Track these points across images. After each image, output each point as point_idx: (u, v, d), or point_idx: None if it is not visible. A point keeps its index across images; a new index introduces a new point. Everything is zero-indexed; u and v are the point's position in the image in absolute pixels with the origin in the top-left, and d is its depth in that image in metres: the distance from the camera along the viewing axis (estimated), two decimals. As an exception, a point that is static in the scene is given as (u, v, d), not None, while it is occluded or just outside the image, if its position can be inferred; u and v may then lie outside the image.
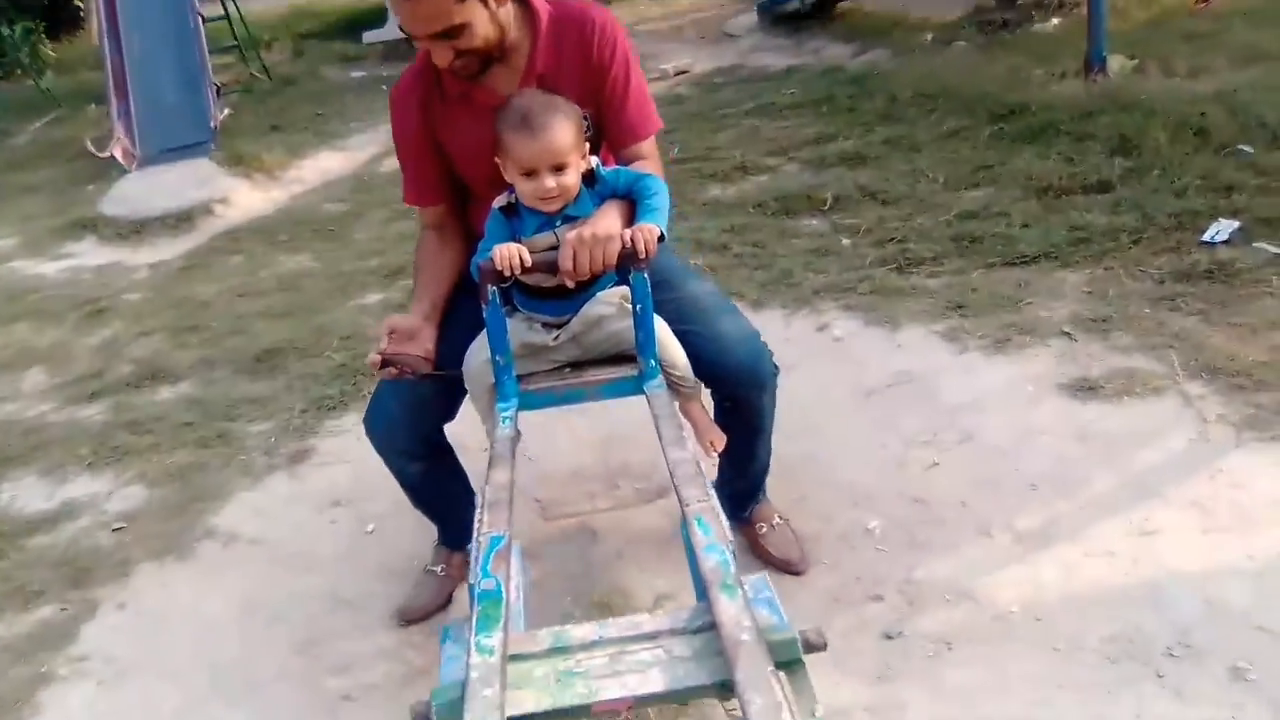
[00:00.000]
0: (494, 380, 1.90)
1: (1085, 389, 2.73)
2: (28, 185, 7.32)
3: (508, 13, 1.91)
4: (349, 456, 3.03)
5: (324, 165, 6.65)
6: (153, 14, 7.86)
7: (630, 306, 1.85)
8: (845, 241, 3.97)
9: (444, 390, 2.06)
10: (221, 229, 5.65)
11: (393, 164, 6.30)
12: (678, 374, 1.94)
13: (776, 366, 2.15)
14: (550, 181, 1.80)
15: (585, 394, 1.94)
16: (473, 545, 1.42)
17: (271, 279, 4.62)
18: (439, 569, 2.39)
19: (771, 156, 5.14)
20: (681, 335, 1.98)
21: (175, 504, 2.91)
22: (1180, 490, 2.34)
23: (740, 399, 2.12)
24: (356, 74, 9.46)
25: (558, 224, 1.85)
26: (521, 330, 1.94)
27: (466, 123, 1.99)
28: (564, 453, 2.90)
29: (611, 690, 1.22)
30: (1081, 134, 4.43)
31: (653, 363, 1.89)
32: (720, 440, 2.00)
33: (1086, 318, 3.07)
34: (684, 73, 7.50)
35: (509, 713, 1.18)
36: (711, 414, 2.09)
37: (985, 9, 7.06)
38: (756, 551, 2.38)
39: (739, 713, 1.20)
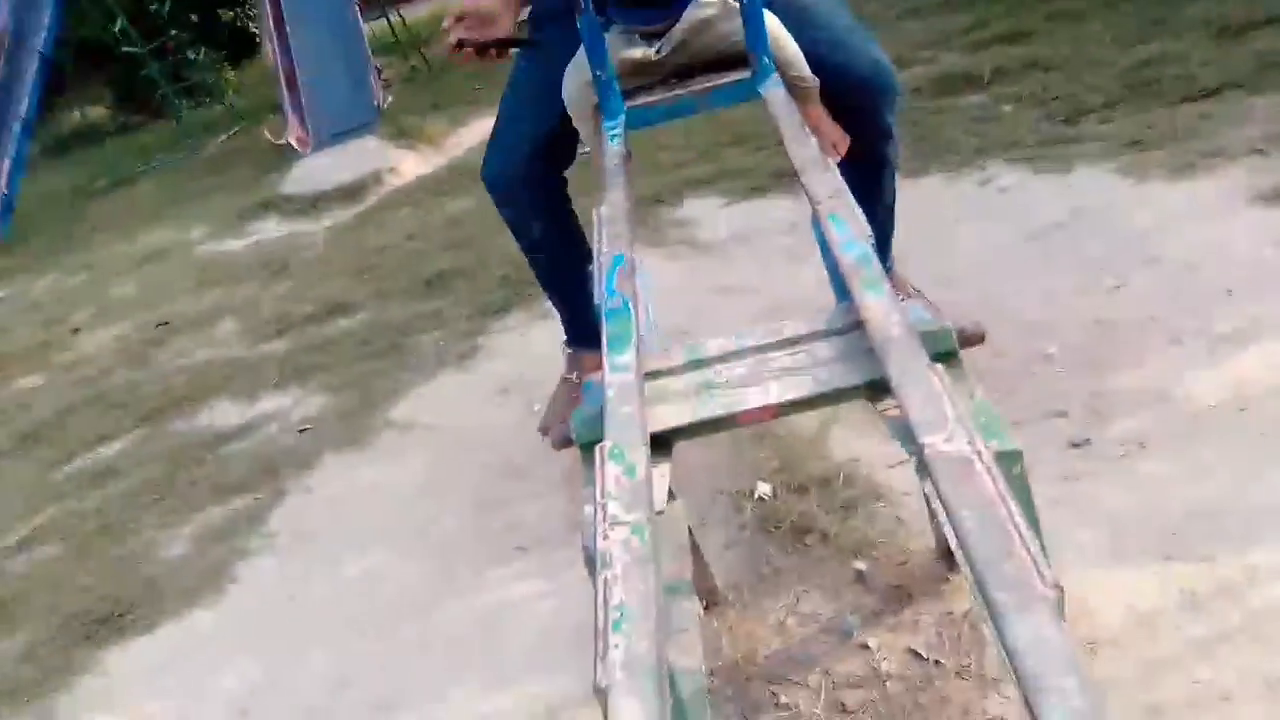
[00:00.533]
0: (597, 100, 1.78)
1: (1282, 197, 2.49)
2: (218, 185, 7.80)
3: None
4: (514, 351, 3.08)
5: (485, 128, 6.74)
6: (315, 12, 8.26)
7: (735, 4, 1.71)
8: (1007, 108, 3.75)
9: (554, 126, 1.96)
10: (390, 192, 5.86)
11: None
12: (794, 73, 1.77)
13: (899, 85, 2.00)
14: None
15: (696, 104, 1.81)
16: (594, 267, 1.37)
17: (439, 221, 4.75)
18: (573, 375, 2.37)
19: (924, 49, 4.91)
20: (800, 39, 1.81)
21: (355, 405, 3.02)
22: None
23: (864, 110, 1.95)
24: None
25: None
26: (620, 46, 1.79)
27: None
28: (727, 327, 2.80)
29: (755, 398, 1.16)
30: (1266, -28, 4.05)
31: (766, 60, 1.73)
32: (844, 141, 1.83)
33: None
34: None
35: (651, 429, 1.14)
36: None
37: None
38: None
39: (893, 413, 1.12)
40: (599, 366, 2.14)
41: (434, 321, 3.44)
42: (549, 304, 3.25)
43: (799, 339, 1.21)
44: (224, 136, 9.83)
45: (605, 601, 0.89)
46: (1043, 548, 0.86)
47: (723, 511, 1.96)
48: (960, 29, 5.02)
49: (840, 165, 1.89)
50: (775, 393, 1.16)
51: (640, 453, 1.07)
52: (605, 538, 0.97)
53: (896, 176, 2.17)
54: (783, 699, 1.47)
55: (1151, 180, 2.79)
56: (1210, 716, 1.27)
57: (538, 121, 2.02)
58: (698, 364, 1.22)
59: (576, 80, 1.84)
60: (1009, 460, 1.00)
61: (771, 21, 1.77)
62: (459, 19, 1.85)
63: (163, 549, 2.54)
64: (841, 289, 1.29)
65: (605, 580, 0.92)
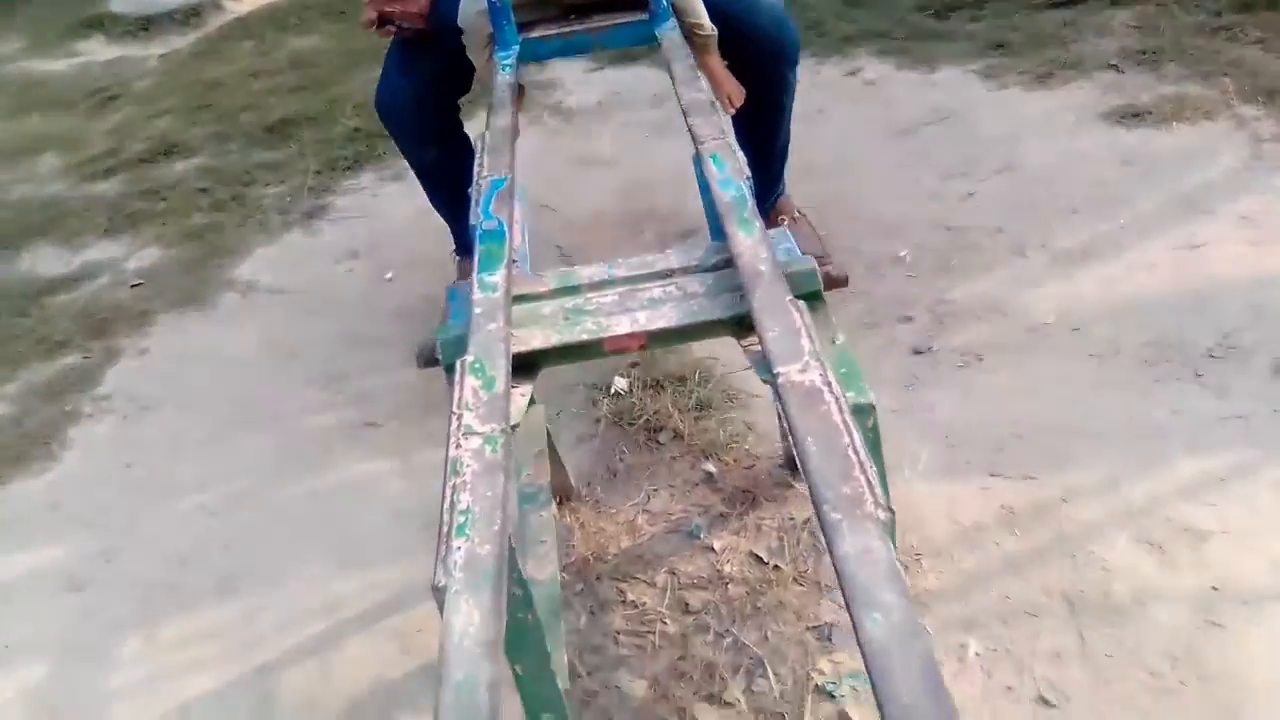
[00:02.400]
0: (491, 29, 1.77)
1: (1131, 115, 2.58)
2: (33, -11, 7.09)
3: None
4: (366, 211, 2.98)
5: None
6: None
7: None
8: (878, -8, 3.74)
9: (452, 59, 1.92)
10: (230, 21, 5.46)
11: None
12: (692, 19, 1.78)
13: (798, 40, 2.04)
14: None
15: (591, 41, 1.83)
16: (473, 189, 1.35)
17: (283, 59, 4.46)
18: (464, 286, 2.33)
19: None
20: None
21: (192, 261, 2.87)
22: (1230, 207, 2.22)
23: (766, 64, 1.99)
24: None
25: None
26: None
27: None
28: (584, 201, 2.80)
29: (622, 325, 1.15)
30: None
31: (664, 3, 1.74)
32: (739, 95, 1.85)
33: (1135, 50, 2.89)
34: None
35: (516, 350, 1.13)
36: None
37: None
38: None
39: (756, 348, 1.14)
40: None
41: (279, 174, 3.27)
42: (403, 164, 3.15)
43: (671, 272, 1.20)
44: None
45: (452, 506, 0.90)
46: (882, 476, 0.91)
47: (579, 404, 1.97)
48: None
49: (739, 111, 1.93)
50: (643, 321, 1.16)
51: (500, 368, 1.06)
52: (458, 446, 0.97)
53: (791, 116, 2.17)
54: (629, 596, 1.51)
55: (1011, 87, 2.85)
56: (1019, 631, 1.37)
57: (435, 58, 1.96)
58: (569, 291, 1.20)
59: (472, 8, 1.81)
60: (863, 414, 1.03)
61: None
62: None
63: (-19, 407, 2.39)
64: (717, 228, 1.29)
65: (454, 486, 0.92)
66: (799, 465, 0.88)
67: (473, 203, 1.30)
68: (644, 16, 1.77)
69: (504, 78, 1.64)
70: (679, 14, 1.77)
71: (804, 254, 2.20)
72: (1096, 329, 1.96)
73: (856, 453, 0.86)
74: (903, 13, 3.45)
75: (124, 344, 2.55)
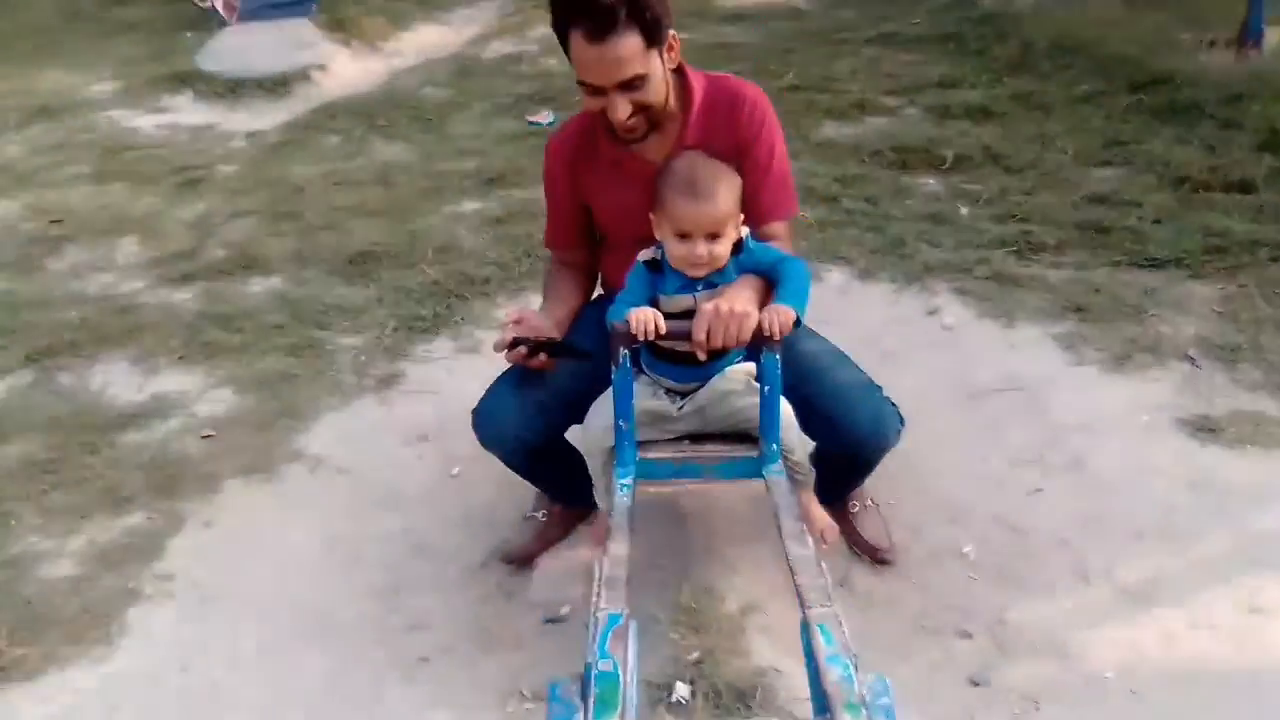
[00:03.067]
0: (613, 444, 1.90)
1: (1205, 429, 2.60)
2: (126, 22, 7.28)
3: (670, 79, 1.96)
4: (438, 386, 3.02)
5: (425, 39, 6.50)
6: None
7: (757, 385, 1.86)
8: (964, 210, 3.80)
9: (573, 397, 2.05)
10: (318, 101, 5.57)
11: (497, 49, 6.19)
12: (794, 459, 1.93)
13: (902, 420, 2.11)
14: (703, 249, 1.81)
15: (702, 470, 1.96)
16: (590, 621, 1.39)
17: (367, 168, 4.56)
18: (540, 513, 2.40)
19: (892, 96, 4.91)
20: (800, 398, 1.96)
21: (263, 416, 2.92)
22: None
23: (861, 459, 2.12)
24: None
25: (699, 288, 1.85)
26: (646, 395, 1.93)
27: (615, 186, 2.05)
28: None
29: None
30: (1228, 120, 4.17)
31: (775, 446, 1.88)
32: (832, 534, 2.01)
33: (1214, 343, 2.92)
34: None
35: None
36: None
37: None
38: (845, 530, 2.34)
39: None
40: (564, 516, 2.11)
41: (355, 323, 3.33)
42: (478, 336, 3.22)
43: (780, 751, 1.23)
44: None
45: None
46: None
47: (639, 700, 1.99)
48: (929, 81, 5.03)
49: (826, 462, 2.11)
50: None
51: None
52: None
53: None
54: None
55: (1088, 365, 2.88)
56: None
57: (555, 396, 2.08)
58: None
59: (599, 421, 1.95)
60: None
61: (785, 410, 1.90)
62: (515, 322, 1.98)
63: (46, 564, 2.43)
64: (819, 699, 1.33)
65: None
66: None
67: (589, 637, 1.34)
68: (753, 453, 1.90)
69: (622, 501, 1.73)
70: (783, 453, 1.90)
71: (872, 545, 2.29)
72: (1155, 696, 1.97)
73: None
74: (986, 247, 3.50)
75: (189, 510, 2.59)
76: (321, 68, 5.95)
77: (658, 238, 1.88)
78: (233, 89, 5.73)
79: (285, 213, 4.15)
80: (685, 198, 1.78)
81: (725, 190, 1.80)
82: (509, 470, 2.38)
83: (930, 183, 4.05)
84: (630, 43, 1.82)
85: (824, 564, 1.53)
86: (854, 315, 3.21)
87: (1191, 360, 2.87)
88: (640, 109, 1.90)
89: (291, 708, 2.06)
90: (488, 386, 2.17)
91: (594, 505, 2.24)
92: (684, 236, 1.81)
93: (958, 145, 4.24)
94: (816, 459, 2.19)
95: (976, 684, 2.04)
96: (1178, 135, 4.14)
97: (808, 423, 2.05)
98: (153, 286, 3.68)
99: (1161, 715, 1.93)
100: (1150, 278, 3.26)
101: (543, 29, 6.51)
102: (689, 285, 1.87)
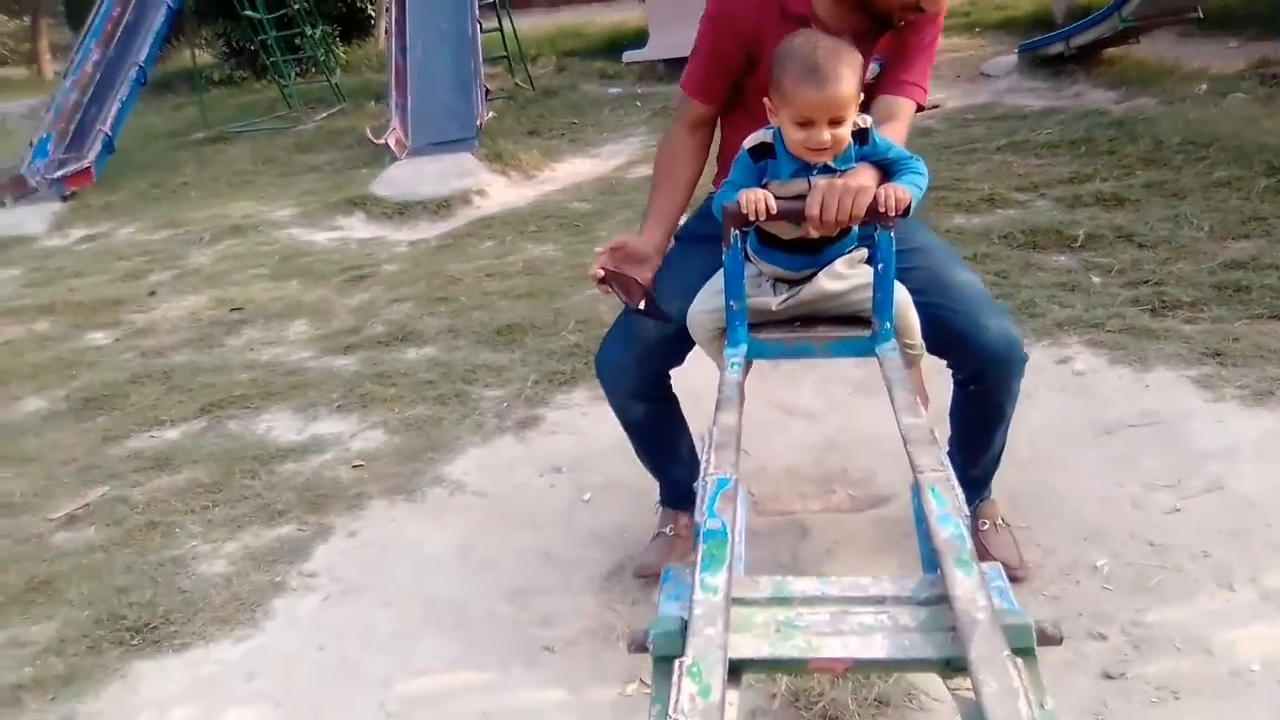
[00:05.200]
0: (723, 326, 1.90)
1: (1358, 454, 2.50)
2: (310, 165, 8.00)
3: None
4: (575, 429, 3.14)
5: (575, 169, 6.93)
6: (436, 20, 8.45)
7: (866, 270, 1.85)
8: (1095, 280, 3.78)
9: (672, 335, 2.09)
10: (477, 217, 5.98)
11: (640, 171, 6.52)
12: (908, 341, 1.88)
13: (1026, 354, 2.09)
14: (826, 134, 1.73)
15: (815, 349, 1.93)
16: (699, 485, 1.44)
17: (518, 263, 4.84)
18: (668, 529, 2.43)
19: (1021, 192, 4.96)
20: (932, 308, 1.95)
21: (411, 450, 3.09)
22: None
23: (990, 379, 2.06)
24: (613, 90, 9.81)
25: (814, 172, 1.79)
26: (749, 287, 1.90)
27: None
28: (780, 452, 2.89)
29: (832, 649, 1.18)
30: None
31: (888, 325, 1.84)
32: (928, 405, 1.95)
33: (1364, 382, 2.81)
34: (936, 107, 7.35)
35: (729, 655, 1.18)
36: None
37: (1270, 61, 6.58)
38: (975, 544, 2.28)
39: (964, 692, 1.16)
40: (689, 526, 2.22)
41: (500, 377, 3.52)
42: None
43: (883, 599, 1.24)
44: (324, 115, 10.06)
45: None
46: None
47: (758, 675, 1.99)
48: (1059, 178, 5.07)
49: (960, 414, 2.12)
50: (853, 648, 1.19)
51: (718, 676, 1.11)
52: None
53: (1010, 424, 2.23)
54: None
55: (1228, 400, 2.81)
56: None
57: (660, 328, 2.11)
58: (782, 601, 1.26)
59: (707, 304, 1.96)
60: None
61: (899, 292, 1.88)
62: (613, 249, 2.05)
63: (203, 563, 2.61)
64: (930, 560, 1.33)
65: None
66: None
67: (698, 500, 1.39)
68: (866, 333, 1.88)
69: (732, 376, 1.75)
70: (897, 334, 1.87)
71: (1001, 561, 2.23)
72: (1305, 688, 1.86)
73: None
74: (1118, 306, 3.47)
75: (337, 523, 2.75)
76: (481, 192, 6.41)
77: (773, 122, 1.82)
78: (401, 210, 6.22)
79: (440, 298, 4.44)
80: (807, 83, 1.71)
81: (848, 73, 1.72)
82: (639, 496, 2.47)
83: (1061, 259, 4.05)
84: None
85: (935, 432, 1.52)
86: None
87: (1341, 397, 2.76)
88: None
89: (419, 681, 2.14)
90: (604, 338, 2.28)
91: None
92: (805, 124, 1.74)
93: (1089, 227, 4.24)
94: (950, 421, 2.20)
95: (1110, 677, 1.96)
96: (1323, 211, 4.06)
97: (934, 339, 2.00)
98: (317, 356, 3.98)
99: (1312, 703, 1.82)
100: (1293, 329, 3.17)
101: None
102: (804, 170, 1.80)
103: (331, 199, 6.55)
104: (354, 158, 7.94)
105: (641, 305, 2.06)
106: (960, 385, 2.13)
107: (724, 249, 1.81)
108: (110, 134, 8.16)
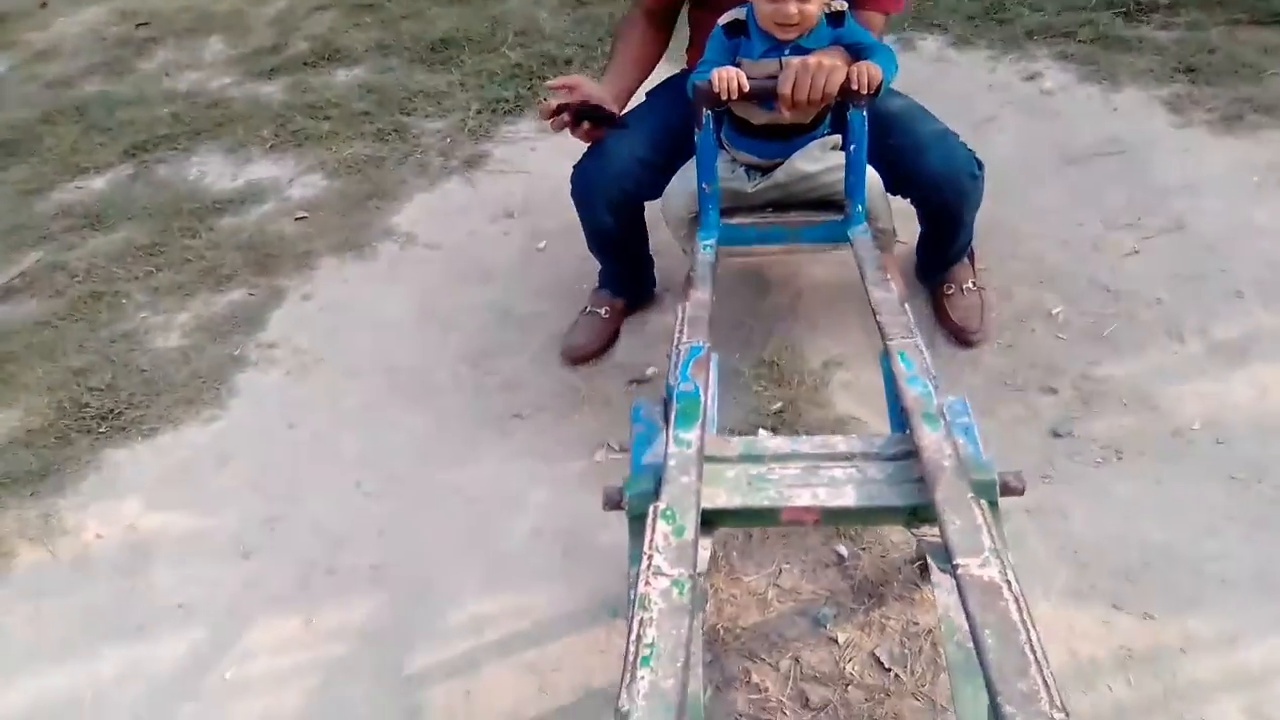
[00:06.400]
0: (697, 210, 1.92)
1: (1320, 188, 2.48)
2: None
3: None
4: (524, 166, 3.04)
5: None
6: None
7: (839, 155, 1.87)
8: (1069, -33, 3.56)
9: (646, 159, 2.05)
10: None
11: None
12: (879, 224, 1.93)
13: (980, 165, 2.05)
14: (793, 7, 1.74)
15: (787, 234, 1.96)
16: (672, 352, 1.44)
17: (445, -42, 4.44)
18: (602, 311, 2.40)
19: None
20: (877, 152, 1.92)
21: (354, 197, 2.97)
22: None
23: (939, 202, 2.07)
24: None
25: (786, 52, 1.78)
26: (723, 172, 1.91)
27: None
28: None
29: (802, 498, 1.23)
30: None
31: (860, 208, 1.86)
32: (904, 290, 1.99)
33: (1338, 98, 2.74)
34: None
35: (702, 505, 1.21)
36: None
37: None
38: (936, 309, 2.32)
39: (932, 539, 1.20)
40: (622, 311, 2.22)
41: (440, 107, 3.33)
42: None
43: (852, 455, 1.26)
44: None
45: (638, 639, 1.00)
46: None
47: (718, 423, 2.04)
48: None
49: (925, 224, 2.16)
50: (822, 498, 1.23)
51: (690, 517, 1.16)
52: (647, 584, 1.07)
53: (975, 217, 2.19)
54: (754, 678, 1.62)
55: (1196, 125, 2.75)
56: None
57: (644, 149, 2.05)
58: (754, 458, 1.27)
59: (680, 188, 1.96)
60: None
61: (870, 177, 1.90)
62: (568, 87, 1.96)
63: (157, 337, 2.56)
64: (898, 420, 1.34)
65: (641, 620, 1.02)
66: (978, 658, 0.95)
67: (671, 365, 1.38)
68: (838, 217, 1.90)
69: (705, 257, 1.76)
70: (869, 217, 1.91)
71: (959, 325, 2.25)
72: (1242, 447, 1.95)
73: (1034, 650, 0.93)
74: (1091, 10, 3.29)
75: (287, 285, 2.69)
76: None
77: None
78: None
79: (365, 4, 4.11)
80: None
81: None
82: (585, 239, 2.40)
83: (1035, -53, 3.79)
84: None
85: (906, 305, 1.54)
86: (948, 83, 3.09)
87: (1310, 118, 2.71)
88: None
89: (391, 457, 2.17)
90: (581, 156, 2.16)
91: (649, 302, 2.35)
92: None
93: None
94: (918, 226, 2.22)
95: (1059, 435, 2.04)
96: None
97: (889, 178, 2.03)
98: (239, 81, 3.72)
99: (1247, 464, 1.91)
100: (1272, 35, 3.06)
101: None
102: (776, 49, 1.81)
103: None
104: None
105: (599, 119, 1.99)
106: (919, 205, 2.12)
107: (695, 130, 1.78)
108: None
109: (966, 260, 2.35)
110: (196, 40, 4.09)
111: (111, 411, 2.34)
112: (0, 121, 3.66)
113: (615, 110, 2.04)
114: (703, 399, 1.31)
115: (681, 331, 1.52)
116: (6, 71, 4.08)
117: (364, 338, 2.51)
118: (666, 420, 1.34)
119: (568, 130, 2.04)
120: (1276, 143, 2.65)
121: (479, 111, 3.26)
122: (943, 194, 2.04)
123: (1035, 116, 2.91)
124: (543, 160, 3.02)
